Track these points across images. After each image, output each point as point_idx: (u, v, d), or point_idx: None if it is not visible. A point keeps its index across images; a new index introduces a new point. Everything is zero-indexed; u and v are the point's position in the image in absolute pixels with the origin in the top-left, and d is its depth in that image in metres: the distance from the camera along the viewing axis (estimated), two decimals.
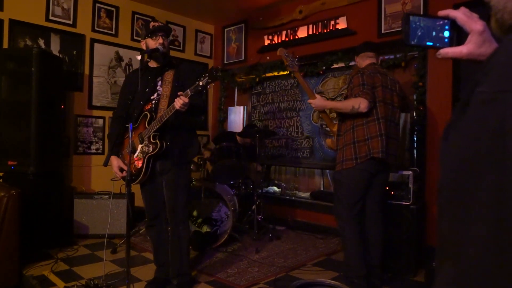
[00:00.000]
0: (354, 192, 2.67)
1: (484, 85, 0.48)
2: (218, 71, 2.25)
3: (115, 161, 2.58)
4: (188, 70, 2.69)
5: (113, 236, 3.79)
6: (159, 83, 2.61)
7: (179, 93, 2.31)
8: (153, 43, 2.54)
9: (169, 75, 2.58)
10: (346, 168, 2.64)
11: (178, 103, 2.25)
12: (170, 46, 5.18)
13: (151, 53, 2.53)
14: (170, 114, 2.37)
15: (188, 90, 2.26)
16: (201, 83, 2.19)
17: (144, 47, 2.59)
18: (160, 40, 2.54)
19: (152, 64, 2.64)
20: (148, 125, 2.50)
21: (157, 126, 2.44)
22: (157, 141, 2.47)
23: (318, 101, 2.76)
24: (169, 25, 5.25)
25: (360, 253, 2.64)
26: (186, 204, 2.68)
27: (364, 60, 2.86)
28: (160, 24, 2.61)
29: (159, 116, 2.45)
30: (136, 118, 2.57)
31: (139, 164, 2.52)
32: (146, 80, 2.60)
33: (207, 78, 2.19)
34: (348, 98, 2.68)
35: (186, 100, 2.24)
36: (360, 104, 2.53)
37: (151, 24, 2.60)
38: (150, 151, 2.48)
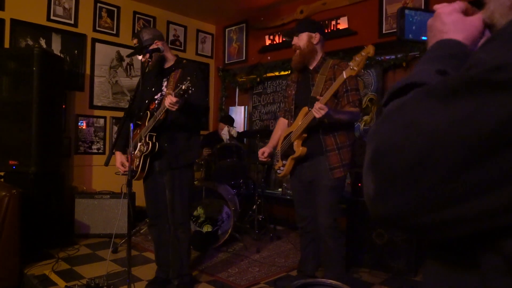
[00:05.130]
0: None
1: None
2: (198, 78, 2.29)
3: (118, 157, 2.68)
4: (191, 70, 2.64)
5: (114, 235, 3.79)
6: (165, 83, 2.63)
7: (167, 91, 2.32)
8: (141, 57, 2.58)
9: (175, 76, 2.59)
10: (344, 175, 2.48)
11: (167, 101, 2.25)
12: (171, 46, 5.24)
13: (152, 53, 2.54)
14: (161, 113, 2.40)
15: (173, 92, 2.25)
16: (183, 87, 2.18)
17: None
18: (147, 55, 2.54)
19: (166, 64, 2.68)
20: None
21: (151, 126, 2.48)
22: (149, 141, 2.51)
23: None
24: (171, 24, 5.26)
25: None
26: (185, 207, 2.67)
27: (323, 47, 2.61)
28: (140, 39, 2.58)
29: (154, 116, 2.48)
30: (142, 116, 2.62)
31: (136, 162, 2.58)
32: (155, 80, 2.67)
33: (188, 82, 2.18)
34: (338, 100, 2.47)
35: (174, 99, 2.21)
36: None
37: (135, 39, 2.61)
38: (144, 151, 2.53)
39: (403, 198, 0.46)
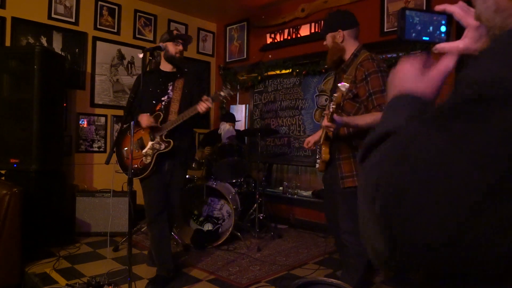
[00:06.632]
0: None
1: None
2: (236, 88, 2.53)
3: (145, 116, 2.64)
4: (194, 79, 2.93)
5: (115, 234, 3.79)
6: (170, 87, 2.79)
7: (204, 97, 2.51)
8: (173, 48, 2.75)
9: (179, 82, 2.79)
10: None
11: (203, 106, 2.47)
12: None
13: (153, 51, 2.58)
14: (190, 115, 2.56)
15: (210, 97, 2.49)
16: (222, 93, 2.45)
17: (163, 49, 2.74)
18: (181, 47, 2.76)
19: (164, 67, 2.82)
20: (160, 125, 2.67)
21: (173, 126, 2.62)
22: (169, 140, 2.65)
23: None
24: (172, 23, 5.25)
25: None
26: (181, 202, 2.93)
27: (354, 41, 2.37)
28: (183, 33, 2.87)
29: (175, 118, 2.63)
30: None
31: (147, 160, 2.67)
32: (158, 82, 2.79)
33: (229, 89, 2.44)
34: (359, 104, 2.26)
35: (211, 105, 2.46)
36: None
37: (175, 32, 2.82)
38: (161, 149, 2.64)
39: (431, 250, 0.43)
